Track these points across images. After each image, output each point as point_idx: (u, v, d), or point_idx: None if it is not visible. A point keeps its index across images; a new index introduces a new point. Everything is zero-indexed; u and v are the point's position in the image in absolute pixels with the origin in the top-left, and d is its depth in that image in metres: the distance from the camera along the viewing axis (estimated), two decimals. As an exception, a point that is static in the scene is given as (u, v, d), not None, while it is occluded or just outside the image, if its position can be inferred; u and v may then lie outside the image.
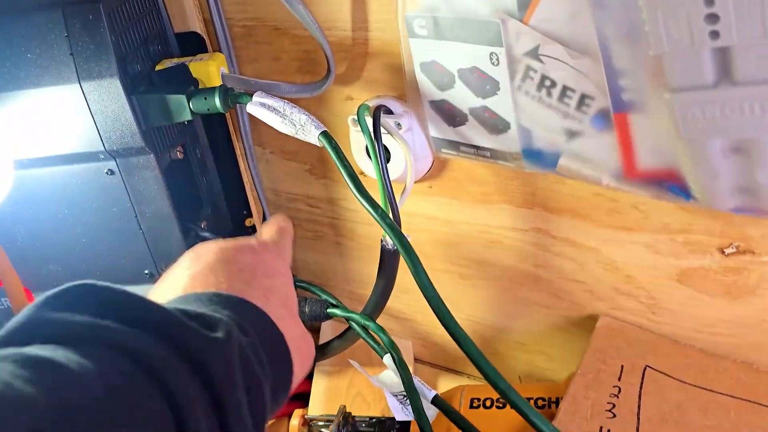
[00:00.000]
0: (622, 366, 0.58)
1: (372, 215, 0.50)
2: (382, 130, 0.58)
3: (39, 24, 0.54)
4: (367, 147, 0.63)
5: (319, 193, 0.74)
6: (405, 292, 0.65)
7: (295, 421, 0.66)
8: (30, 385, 0.24)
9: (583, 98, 0.48)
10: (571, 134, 0.50)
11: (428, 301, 0.48)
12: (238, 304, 0.38)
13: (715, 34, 0.36)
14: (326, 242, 0.78)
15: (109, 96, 0.56)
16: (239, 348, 0.35)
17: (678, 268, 0.56)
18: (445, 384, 0.79)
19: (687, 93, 0.40)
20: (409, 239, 0.50)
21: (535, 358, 0.72)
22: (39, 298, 0.30)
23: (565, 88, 0.48)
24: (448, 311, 0.47)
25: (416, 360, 0.82)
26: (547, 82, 0.48)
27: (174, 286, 0.41)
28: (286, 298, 0.44)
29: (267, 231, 0.52)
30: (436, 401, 0.56)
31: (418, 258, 0.48)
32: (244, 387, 0.35)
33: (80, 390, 0.26)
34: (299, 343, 0.41)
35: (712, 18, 0.36)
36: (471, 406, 0.60)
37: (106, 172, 0.60)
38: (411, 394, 0.56)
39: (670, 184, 0.47)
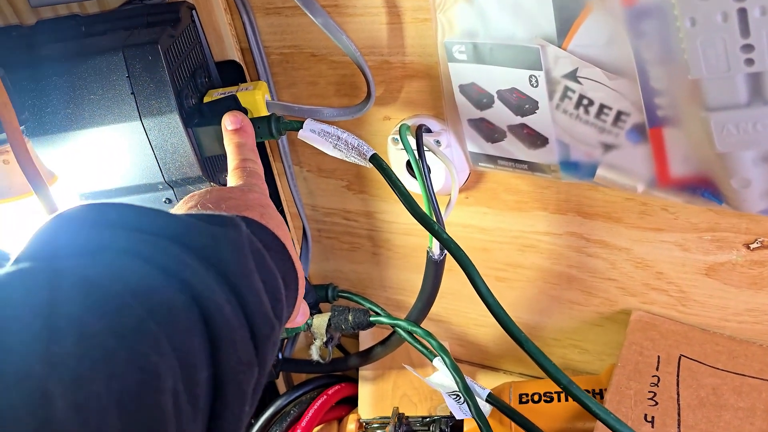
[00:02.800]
0: (659, 356, 0.63)
1: (429, 231, 0.54)
2: (424, 147, 0.62)
3: (101, 67, 0.58)
4: (407, 164, 0.67)
5: (356, 207, 0.78)
6: (441, 297, 0.70)
7: (351, 425, 0.70)
8: (46, 291, 0.25)
9: (619, 115, 0.52)
10: (608, 147, 0.54)
11: (489, 308, 0.52)
12: (239, 218, 0.38)
13: (750, 62, 0.41)
14: (363, 253, 0.82)
15: (168, 130, 0.59)
16: (249, 241, 0.36)
17: (706, 264, 0.61)
18: (483, 380, 0.83)
19: (722, 112, 0.44)
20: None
21: (569, 351, 0.76)
22: (55, 217, 0.31)
23: (602, 106, 0.52)
24: (508, 315, 0.51)
25: (454, 359, 0.86)
26: (585, 101, 0.53)
27: None
28: (280, 222, 0.45)
29: (237, 178, 0.52)
30: (490, 399, 0.61)
31: (476, 269, 0.52)
32: (259, 277, 0.35)
33: (102, 294, 0.27)
34: (298, 263, 0.43)
35: (748, 48, 0.40)
36: (520, 401, 0.65)
37: (164, 201, 0.63)
38: (467, 393, 0.60)
39: (703, 190, 0.52)
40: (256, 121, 0.61)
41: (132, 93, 0.58)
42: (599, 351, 0.74)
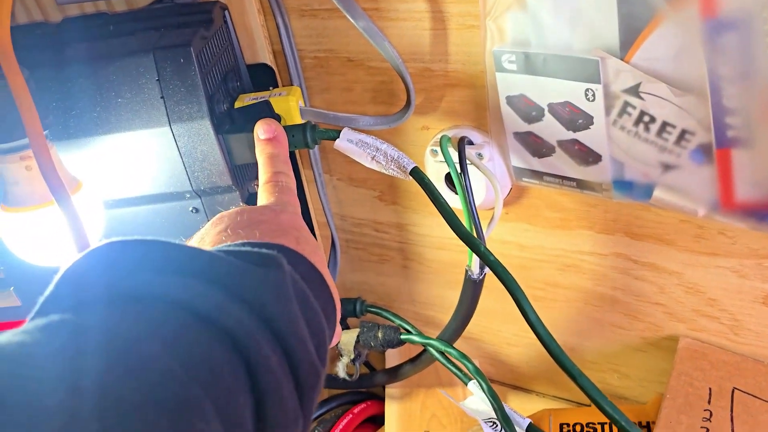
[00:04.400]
0: (710, 389, 0.59)
1: (474, 252, 0.51)
2: (467, 161, 0.59)
3: (130, 69, 0.55)
4: (445, 177, 0.64)
5: (387, 218, 0.75)
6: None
7: (379, 448, 0.67)
8: (85, 356, 0.23)
9: (683, 134, 0.48)
10: (668, 167, 0.51)
11: (537, 335, 0.48)
12: (275, 248, 0.36)
13: None
14: (393, 265, 0.79)
15: (199, 137, 0.56)
16: (293, 281, 0.34)
17: (764, 291, 0.57)
18: (514, 401, 0.80)
19: (806, 135, 0.41)
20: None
21: (608, 376, 0.73)
22: (74, 260, 0.28)
23: (664, 124, 0.49)
24: (560, 347, 0.48)
25: (483, 378, 0.83)
26: (646, 118, 0.49)
27: (201, 245, 0.40)
28: (315, 246, 0.42)
29: (269, 194, 0.49)
30: (530, 430, 0.57)
31: (523, 293, 0.49)
32: (304, 321, 0.33)
33: (138, 354, 0.24)
34: (334, 288, 0.41)
35: None
36: (561, 432, 0.61)
37: (191, 210, 0.60)
38: (505, 423, 0.57)
39: (773, 216, 0.48)
40: (290, 130, 0.58)
41: (162, 97, 0.55)
42: (641, 377, 0.71)
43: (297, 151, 0.74)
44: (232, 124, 0.59)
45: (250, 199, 0.64)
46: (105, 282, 0.28)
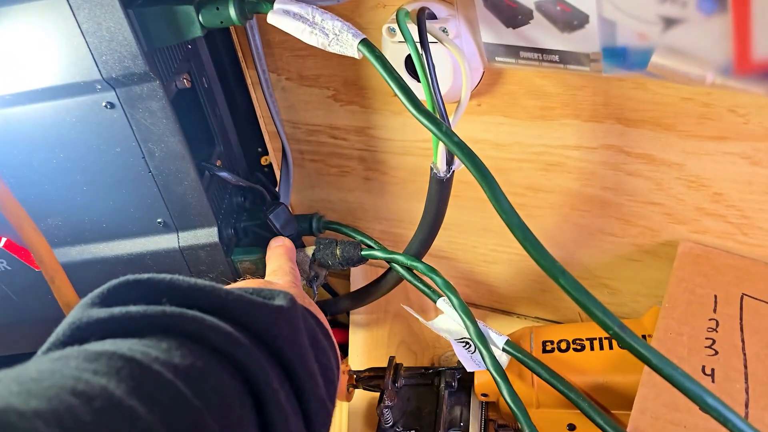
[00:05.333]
0: (716, 296, 0.51)
1: (435, 134, 0.42)
2: (428, 37, 0.49)
3: (8, -76, 0.44)
4: (406, 62, 0.55)
5: (344, 122, 0.65)
6: (444, 229, 0.58)
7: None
8: (99, 377, 0.23)
9: (690, -26, 0.39)
10: (669, 22, 0.42)
11: (514, 232, 0.40)
12: (285, 293, 0.36)
13: None
14: (354, 178, 0.70)
15: (102, 10, 0.46)
16: (303, 317, 0.34)
17: (780, 180, 0.49)
18: (497, 326, 0.72)
19: None
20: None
21: (597, 291, 0.65)
22: (84, 299, 0.29)
23: (667, -37, 0.39)
24: (538, 242, 0.40)
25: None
26: (644, -42, 0.40)
27: None
28: (318, 310, 0.44)
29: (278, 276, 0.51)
30: (508, 347, 0.49)
31: (496, 182, 0.40)
32: (313, 355, 0.33)
33: (152, 378, 0.24)
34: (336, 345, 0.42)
35: None
36: (544, 350, 0.53)
37: (105, 106, 0.51)
38: (479, 340, 0.49)
39: (799, 74, 0.39)
40: (214, 2, 0.48)
41: (50, -40, 0.45)
42: (634, 291, 0.63)
43: (239, 48, 0.64)
44: (147, -2, 0.49)
45: (178, 97, 0.54)
46: (122, 313, 0.28)
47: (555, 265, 0.38)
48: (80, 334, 0.27)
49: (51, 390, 0.21)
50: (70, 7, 0.46)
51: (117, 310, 0.28)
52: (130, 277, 0.30)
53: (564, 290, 0.38)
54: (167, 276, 0.30)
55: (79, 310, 0.28)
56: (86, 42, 0.47)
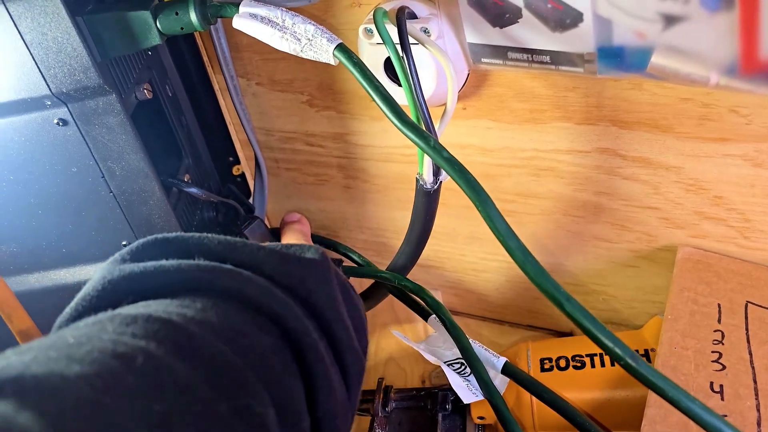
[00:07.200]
0: (719, 305, 0.49)
1: (422, 148, 0.38)
2: (409, 38, 0.46)
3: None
4: (385, 64, 0.51)
5: (321, 128, 0.61)
6: (432, 237, 0.54)
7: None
8: (138, 339, 0.23)
9: (694, -32, 0.36)
10: (670, 20, 0.38)
11: (509, 251, 0.37)
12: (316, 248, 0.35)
13: None
14: (333, 186, 0.66)
15: (47, 19, 0.42)
16: (336, 272, 0.33)
17: (784, 182, 0.46)
18: (487, 337, 0.69)
19: None
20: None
21: (591, 298, 0.62)
22: (113, 256, 0.29)
23: (669, -44, 0.36)
24: (539, 265, 0.36)
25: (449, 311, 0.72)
26: (644, -50, 0.36)
27: None
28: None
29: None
30: (506, 370, 0.46)
31: (489, 198, 0.37)
32: (347, 311, 0.33)
33: (190, 338, 0.24)
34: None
35: None
36: (542, 369, 0.50)
37: (57, 123, 0.46)
38: (474, 364, 0.46)
39: (812, 74, 0.36)
40: (174, 5, 0.44)
41: (-13, -36, 0.40)
42: (630, 298, 0.60)
43: (205, 54, 0.60)
44: (97, 3, 0.45)
45: (139, 109, 0.50)
46: (154, 272, 0.28)
47: (559, 290, 0.35)
48: (113, 290, 0.27)
49: (91, 354, 0.21)
50: (11, 17, 0.41)
51: (150, 264, 0.27)
52: (158, 235, 0.30)
53: (569, 317, 0.35)
54: (196, 234, 0.30)
55: (109, 267, 0.28)
56: (31, 54, 0.43)
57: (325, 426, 0.28)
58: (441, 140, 0.55)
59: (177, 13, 0.43)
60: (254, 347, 0.26)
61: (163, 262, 0.28)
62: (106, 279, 0.27)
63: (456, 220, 0.62)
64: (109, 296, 0.26)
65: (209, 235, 0.30)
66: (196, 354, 0.23)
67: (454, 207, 0.61)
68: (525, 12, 0.43)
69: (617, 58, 0.42)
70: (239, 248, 0.30)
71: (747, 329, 0.47)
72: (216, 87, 0.62)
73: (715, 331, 0.47)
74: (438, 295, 0.70)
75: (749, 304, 0.48)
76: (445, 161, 0.37)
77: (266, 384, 0.25)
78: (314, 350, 0.28)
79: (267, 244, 0.32)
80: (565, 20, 0.42)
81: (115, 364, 0.21)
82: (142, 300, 0.26)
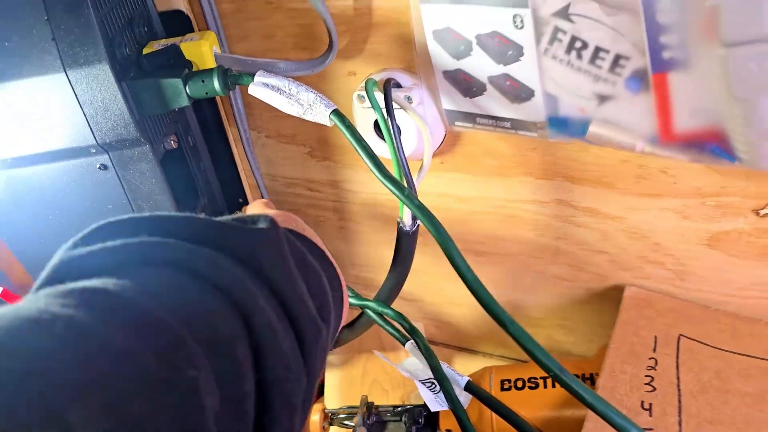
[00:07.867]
0: (656, 337, 0.56)
1: (398, 197, 0.47)
2: (394, 105, 0.55)
3: (15, 7, 0.49)
4: (375, 124, 0.60)
5: (320, 176, 0.70)
6: (414, 273, 0.63)
7: (315, 416, 0.63)
8: (66, 308, 0.22)
9: (617, 59, 0.45)
10: (603, 99, 0.48)
11: (468, 285, 0.45)
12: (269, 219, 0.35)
13: (781, -19, 0.34)
14: (329, 227, 0.75)
15: (98, 84, 0.51)
16: (288, 240, 0.33)
17: (709, 233, 0.55)
18: (461, 364, 0.77)
19: (743, 47, 0.37)
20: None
21: (554, 332, 0.70)
22: (66, 243, 0.28)
23: (597, 50, 0.45)
24: (489, 294, 0.45)
25: (429, 341, 0.79)
26: (578, 44, 0.46)
27: None
28: (314, 234, 0.43)
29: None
30: (469, 387, 0.54)
31: (452, 241, 0.45)
32: (302, 278, 0.32)
33: (125, 305, 0.24)
34: (336, 265, 0.41)
35: (780, -37, 0.33)
36: (502, 389, 0.58)
37: (99, 167, 0.55)
38: (442, 382, 0.54)
39: (713, 145, 0.45)
40: (201, 74, 0.53)
41: (53, 39, 0.50)
42: (588, 331, 0.68)
43: (222, 109, 0.70)
44: (138, 71, 0.55)
45: (166, 157, 0.59)
46: (100, 250, 0.27)
47: (504, 314, 0.43)
48: (58, 275, 0.26)
49: (13, 323, 0.20)
50: (69, 81, 0.51)
51: (96, 246, 0.27)
52: (111, 218, 0.29)
53: (512, 337, 0.43)
54: (148, 213, 0.30)
55: (60, 253, 0.27)
56: (83, 111, 0.52)
57: (275, 393, 0.28)
58: (423, 189, 0.64)
59: (203, 81, 0.53)
60: (197, 312, 0.26)
61: (108, 243, 0.27)
62: (55, 265, 0.26)
63: (436, 258, 0.70)
64: (55, 282, 0.25)
65: (163, 213, 0.30)
66: (130, 321, 0.23)
67: (434, 245, 0.69)
68: (489, 87, 0.52)
69: (563, 126, 0.51)
70: (186, 222, 0.30)
71: (677, 358, 0.55)
72: (230, 138, 0.71)
73: (650, 358, 0.55)
74: (420, 327, 0.78)
75: (681, 337, 0.56)
76: (416, 208, 0.46)
77: (206, 346, 0.25)
78: (261, 316, 0.28)
79: (221, 218, 0.32)
80: (521, 95, 0.51)
81: (36, 330, 0.21)
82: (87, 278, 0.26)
